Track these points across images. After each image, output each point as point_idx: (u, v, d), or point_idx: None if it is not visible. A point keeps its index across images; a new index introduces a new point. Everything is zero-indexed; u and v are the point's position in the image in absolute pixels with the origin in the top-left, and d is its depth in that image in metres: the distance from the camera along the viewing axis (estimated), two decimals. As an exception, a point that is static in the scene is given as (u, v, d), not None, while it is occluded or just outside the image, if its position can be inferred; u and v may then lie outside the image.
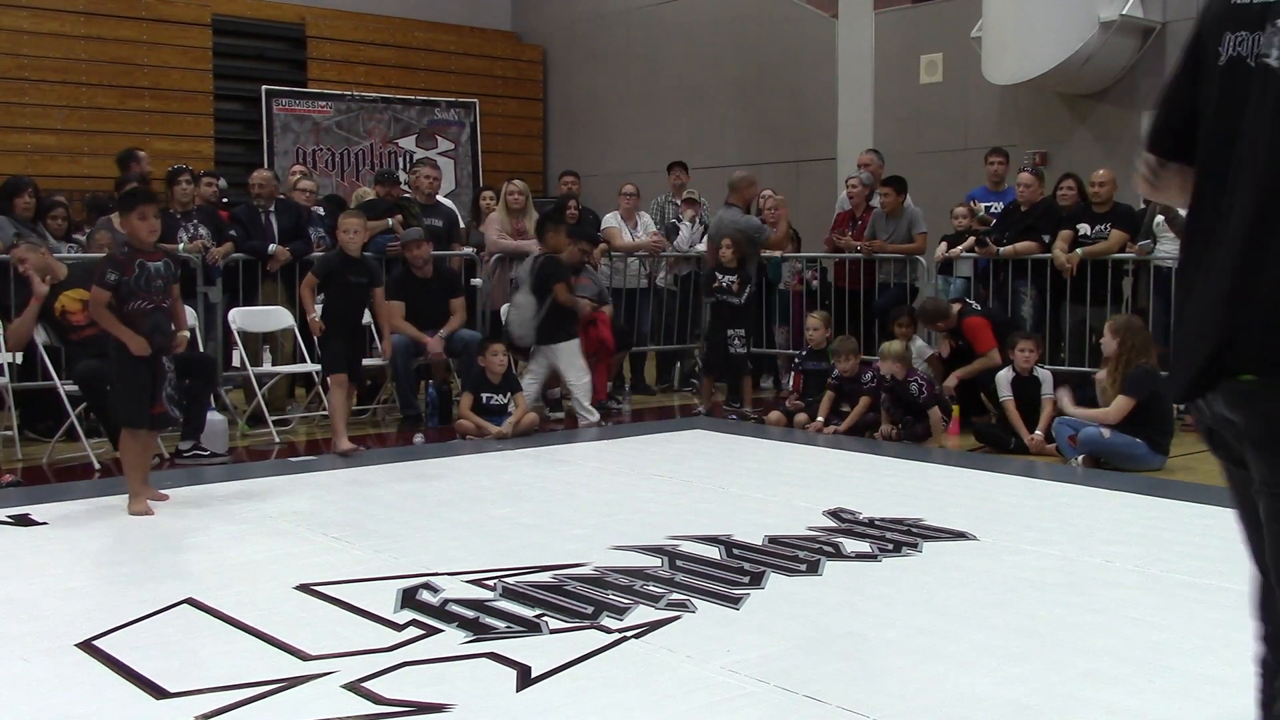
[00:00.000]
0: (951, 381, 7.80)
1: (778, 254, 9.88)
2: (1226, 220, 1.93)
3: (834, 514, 5.22)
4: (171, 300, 5.51)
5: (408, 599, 3.95)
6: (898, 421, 7.51)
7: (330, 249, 7.66)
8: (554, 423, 8.26)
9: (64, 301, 6.70)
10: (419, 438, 7.61)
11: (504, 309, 8.92)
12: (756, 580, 4.19)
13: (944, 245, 8.97)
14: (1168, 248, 8.08)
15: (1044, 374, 7.30)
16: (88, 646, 3.50)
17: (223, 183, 10.90)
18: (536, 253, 8.27)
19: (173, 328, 5.53)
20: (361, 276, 6.93)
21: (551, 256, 8.13)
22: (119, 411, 5.50)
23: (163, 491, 5.56)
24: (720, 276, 8.76)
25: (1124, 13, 10.37)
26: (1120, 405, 6.50)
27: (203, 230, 7.99)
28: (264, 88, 14.23)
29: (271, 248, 8.20)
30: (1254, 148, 1.90)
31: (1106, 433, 6.51)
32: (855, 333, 8.71)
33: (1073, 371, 7.93)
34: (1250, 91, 1.91)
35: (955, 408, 7.78)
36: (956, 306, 8.03)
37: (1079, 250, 8.17)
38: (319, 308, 7.08)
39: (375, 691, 3.13)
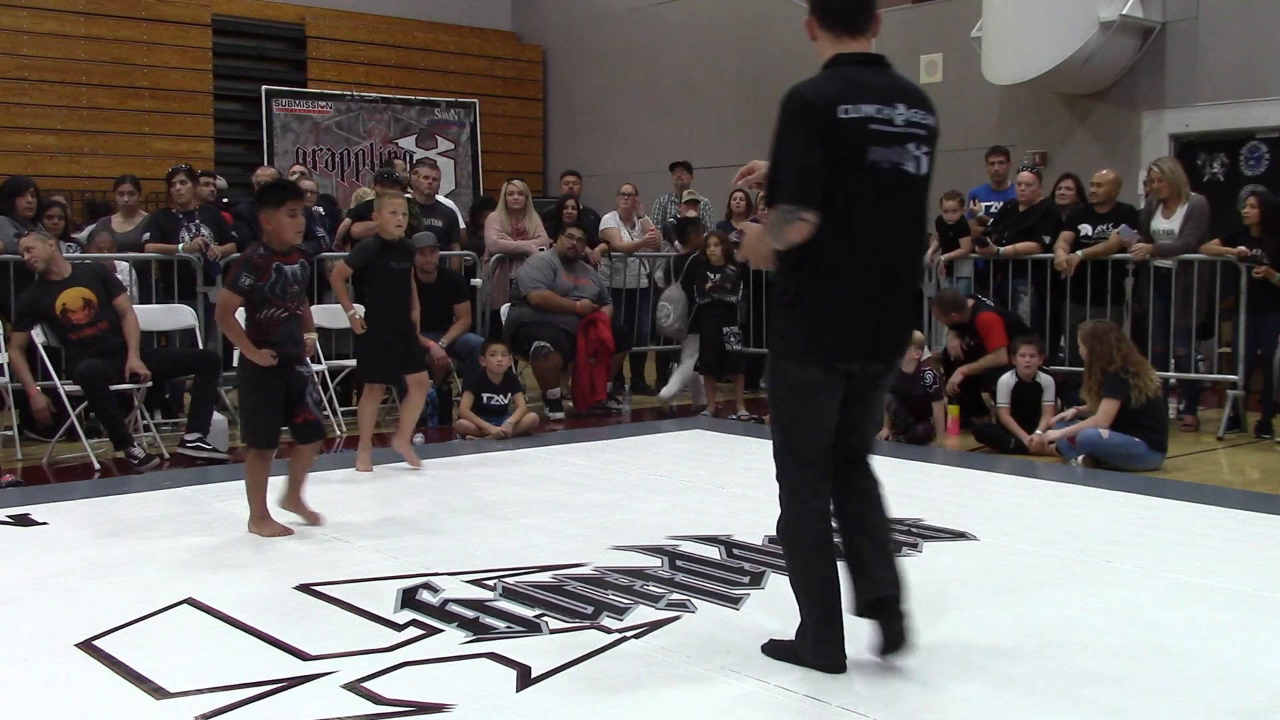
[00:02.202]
0: (956, 378, 7.81)
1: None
2: (886, 254, 3.18)
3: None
4: (304, 306, 5.09)
5: (408, 599, 3.95)
6: (901, 428, 7.52)
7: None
8: (554, 423, 8.27)
9: (65, 300, 6.71)
10: (419, 438, 7.59)
11: (503, 308, 8.95)
12: (756, 580, 4.19)
13: (935, 236, 8.96)
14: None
15: (1046, 379, 7.30)
16: (88, 646, 3.49)
17: (222, 182, 10.92)
18: (681, 251, 9.11)
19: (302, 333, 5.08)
20: (404, 260, 6.34)
21: (700, 256, 8.81)
22: (244, 429, 5.07)
23: (314, 511, 5.07)
24: (712, 275, 8.74)
25: (1124, 13, 10.37)
26: (1105, 409, 6.50)
27: (205, 230, 7.99)
28: (264, 88, 14.23)
29: None
30: (906, 215, 3.23)
31: (1105, 433, 6.51)
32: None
33: (1073, 371, 7.92)
34: (897, 183, 3.16)
35: (955, 408, 7.78)
36: (970, 301, 8.04)
37: (1079, 252, 8.17)
38: (358, 306, 6.46)
39: (375, 691, 3.13)
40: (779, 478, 3.33)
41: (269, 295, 4.80)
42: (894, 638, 3.27)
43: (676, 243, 9.94)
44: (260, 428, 4.93)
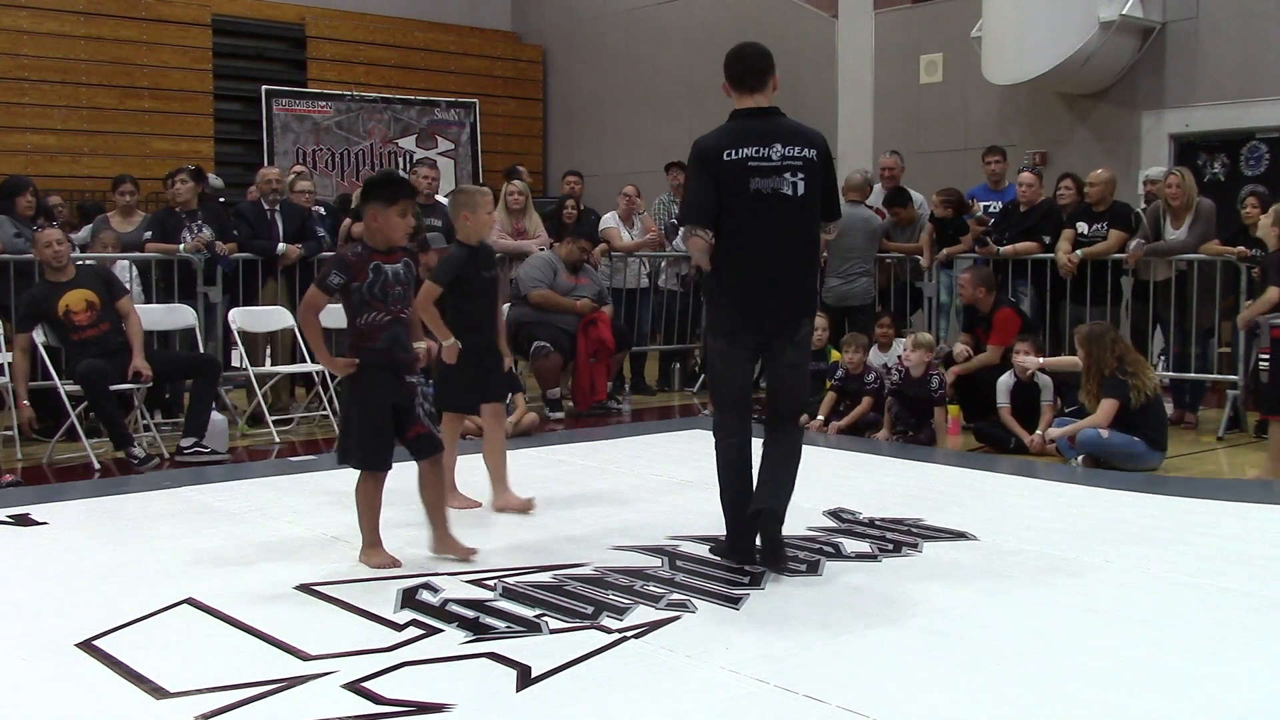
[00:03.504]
0: (949, 377, 7.80)
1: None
2: (772, 256, 4.24)
3: (834, 514, 5.22)
4: (410, 309, 4.52)
5: (408, 599, 3.95)
6: (903, 430, 7.52)
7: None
8: (554, 423, 8.27)
9: (68, 301, 6.71)
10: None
11: (503, 308, 8.94)
12: (756, 580, 4.19)
13: (929, 228, 8.96)
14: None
15: (1045, 379, 7.29)
16: (88, 646, 3.49)
17: (218, 182, 10.93)
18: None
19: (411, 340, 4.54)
20: (492, 268, 5.40)
21: None
22: (352, 449, 4.44)
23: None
24: None
25: (1124, 13, 10.38)
26: (1105, 409, 6.50)
27: (206, 230, 7.98)
28: (264, 88, 14.24)
29: (281, 247, 8.22)
30: (787, 226, 4.24)
31: (1105, 433, 6.51)
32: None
33: (1072, 371, 7.92)
34: (777, 203, 4.21)
35: (955, 408, 7.78)
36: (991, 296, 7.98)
37: (1078, 251, 8.17)
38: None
39: (375, 691, 3.13)
40: (713, 420, 4.55)
41: (367, 297, 4.30)
42: (770, 545, 4.30)
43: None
44: (369, 447, 4.39)
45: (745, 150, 4.17)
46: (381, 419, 4.38)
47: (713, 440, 4.46)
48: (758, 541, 4.35)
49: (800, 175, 4.21)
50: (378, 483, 4.47)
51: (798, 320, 4.37)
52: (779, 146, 4.20)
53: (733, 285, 4.26)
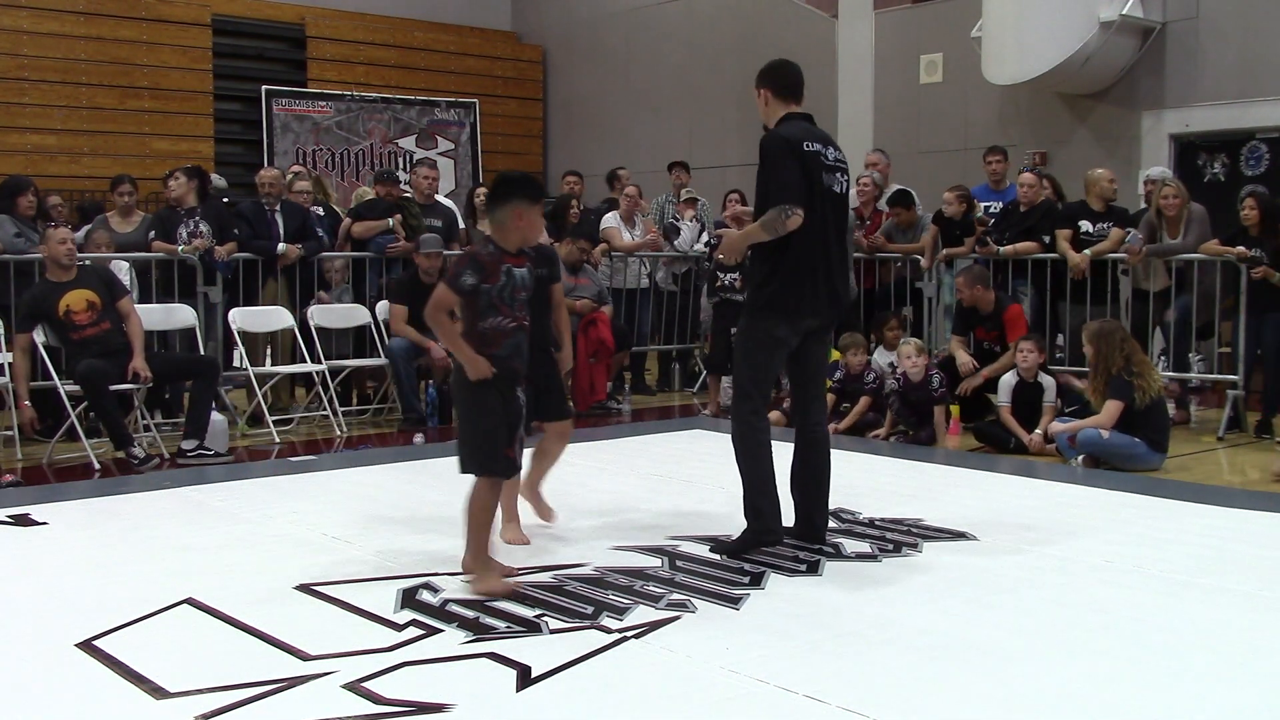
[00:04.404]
0: (977, 380, 7.74)
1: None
2: (831, 246, 4.57)
3: (834, 514, 5.21)
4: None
5: (408, 599, 3.95)
6: (903, 429, 7.52)
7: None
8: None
9: (69, 301, 6.71)
10: (419, 438, 7.61)
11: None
12: (756, 580, 4.19)
13: (933, 229, 8.95)
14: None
15: (1048, 380, 7.29)
16: (88, 646, 3.49)
17: (221, 182, 10.94)
18: None
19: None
20: (539, 268, 4.73)
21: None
22: (465, 455, 4.11)
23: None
24: (722, 275, 8.75)
25: (1124, 13, 10.38)
26: (1109, 410, 6.49)
27: (203, 228, 7.97)
28: (264, 88, 14.24)
29: (281, 247, 8.22)
30: (839, 221, 4.63)
31: (1106, 433, 6.50)
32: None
33: (1071, 371, 7.92)
34: (834, 199, 4.57)
35: (955, 408, 7.78)
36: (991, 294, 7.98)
37: (1087, 251, 8.15)
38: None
39: (375, 691, 3.13)
40: (739, 402, 4.64)
41: (495, 301, 4.03)
42: (819, 535, 4.72)
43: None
44: (482, 450, 4.07)
45: (816, 145, 4.53)
46: (495, 422, 4.07)
47: (733, 432, 4.62)
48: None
49: (844, 177, 4.65)
50: (496, 491, 4.17)
51: (846, 305, 4.94)
52: (832, 149, 4.60)
53: (809, 265, 4.48)
